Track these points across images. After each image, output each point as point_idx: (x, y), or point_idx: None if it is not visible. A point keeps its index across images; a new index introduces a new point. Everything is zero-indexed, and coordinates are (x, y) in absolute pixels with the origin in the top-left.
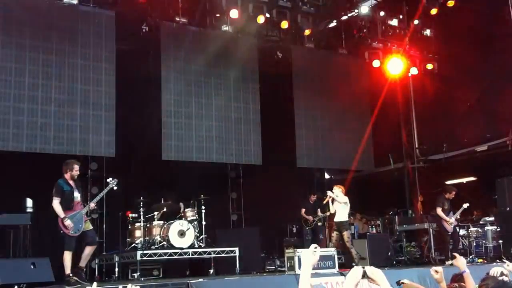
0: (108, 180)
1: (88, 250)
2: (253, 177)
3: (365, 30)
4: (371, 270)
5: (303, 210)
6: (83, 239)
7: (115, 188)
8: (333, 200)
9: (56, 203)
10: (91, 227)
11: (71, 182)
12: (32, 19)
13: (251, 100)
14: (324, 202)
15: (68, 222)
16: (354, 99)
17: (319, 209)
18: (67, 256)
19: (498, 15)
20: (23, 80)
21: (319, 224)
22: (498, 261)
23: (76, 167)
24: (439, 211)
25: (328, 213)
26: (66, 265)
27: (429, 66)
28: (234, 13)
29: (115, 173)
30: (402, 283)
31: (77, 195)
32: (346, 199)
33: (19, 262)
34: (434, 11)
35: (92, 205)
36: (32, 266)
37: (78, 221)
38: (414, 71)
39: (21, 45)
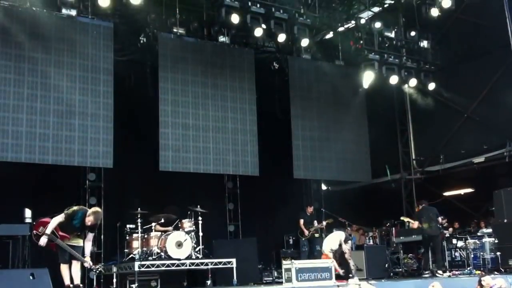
0: (99, 265)
1: (75, 266)
2: (250, 188)
3: (361, 42)
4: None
5: (302, 221)
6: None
7: (92, 272)
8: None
9: (55, 218)
10: (81, 243)
11: (84, 224)
12: (31, 30)
13: (248, 111)
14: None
15: (44, 240)
16: (351, 110)
17: (315, 221)
18: (63, 269)
19: (495, 26)
20: (22, 91)
21: (316, 235)
22: (496, 273)
23: (95, 216)
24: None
25: (324, 223)
26: (64, 277)
27: (426, 78)
28: (235, 18)
29: (112, 183)
30: None
31: (77, 232)
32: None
33: (18, 272)
34: (435, 13)
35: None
36: (31, 277)
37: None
38: (411, 82)
39: (20, 56)
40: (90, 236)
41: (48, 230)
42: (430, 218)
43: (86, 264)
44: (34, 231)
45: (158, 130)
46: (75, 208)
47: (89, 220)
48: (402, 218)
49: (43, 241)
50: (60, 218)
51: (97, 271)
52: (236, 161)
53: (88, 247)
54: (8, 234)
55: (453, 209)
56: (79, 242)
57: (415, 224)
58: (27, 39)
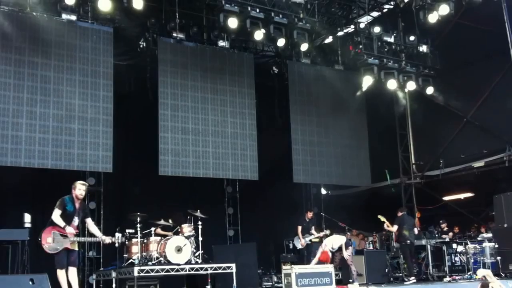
0: (117, 234)
1: (72, 272)
2: (250, 193)
3: (361, 46)
4: None
5: (299, 228)
6: (69, 259)
7: (116, 245)
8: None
9: (56, 215)
10: (77, 248)
11: (76, 204)
12: (31, 35)
13: (247, 115)
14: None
15: (70, 229)
16: (350, 115)
17: (313, 227)
18: (60, 274)
19: (494, 31)
20: (22, 96)
21: (317, 240)
22: (496, 278)
23: (78, 186)
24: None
25: (322, 234)
26: (61, 283)
27: (425, 82)
28: (234, 23)
29: (112, 188)
30: None
31: (75, 219)
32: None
33: (17, 278)
34: (434, 18)
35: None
36: (30, 282)
37: (58, 243)
38: (410, 86)
39: (20, 61)
40: (89, 221)
41: (62, 223)
42: (411, 226)
43: (107, 240)
44: (46, 245)
45: (158, 135)
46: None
47: (76, 194)
48: (379, 216)
49: (69, 230)
50: (57, 211)
51: (120, 241)
52: (236, 165)
53: (95, 229)
54: (8, 239)
55: (453, 214)
56: (75, 246)
57: (392, 228)
58: (27, 44)
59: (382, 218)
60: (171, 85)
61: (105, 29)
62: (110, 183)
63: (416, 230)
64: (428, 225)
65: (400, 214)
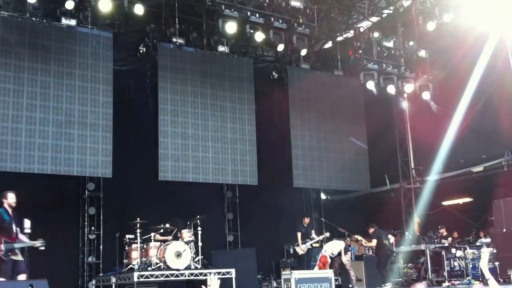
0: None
1: (21, 278)
2: (249, 198)
3: (360, 51)
4: None
5: (299, 235)
6: (15, 268)
7: (40, 248)
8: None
9: None
10: (21, 258)
11: (11, 213)
12: (30, 40)
13: (247, 121)
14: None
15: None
16: (350, 120)
17: (312, 231)
18: None
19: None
20: (21, 101)
21: (317, 245)
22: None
23: (10, 195)
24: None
25: (321, 237)
26: None
27: (424, 87)
28: (234, 28)
29: (111, 193)
30: None
31: (14, 227)
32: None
33: (17, 284)
34: (433, 24)
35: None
36: None
37: (11, 249)
38: (409, 91)
39: (20, 67)
40: (22, 236)
41: None
42: (387, 237)
43: (37, 244)
44: (1, 252)
45: (157, 140)
46: None
47: (8, 202)
48: (356, 236)
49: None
50: None
51: (40, 245)
52: (235, 170)
53: (24, 237)
54: None
55: (452, 219)
56: (19, 257)
57: (371, 243)
58: (27, 49)
59: (359, 238)
60: (171, 90)
61: (105, 34)
62: (110, 188)
63: (392, 238)
64: (427, 230)
65: (372, 230)
